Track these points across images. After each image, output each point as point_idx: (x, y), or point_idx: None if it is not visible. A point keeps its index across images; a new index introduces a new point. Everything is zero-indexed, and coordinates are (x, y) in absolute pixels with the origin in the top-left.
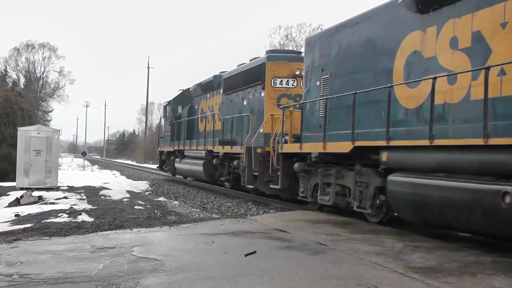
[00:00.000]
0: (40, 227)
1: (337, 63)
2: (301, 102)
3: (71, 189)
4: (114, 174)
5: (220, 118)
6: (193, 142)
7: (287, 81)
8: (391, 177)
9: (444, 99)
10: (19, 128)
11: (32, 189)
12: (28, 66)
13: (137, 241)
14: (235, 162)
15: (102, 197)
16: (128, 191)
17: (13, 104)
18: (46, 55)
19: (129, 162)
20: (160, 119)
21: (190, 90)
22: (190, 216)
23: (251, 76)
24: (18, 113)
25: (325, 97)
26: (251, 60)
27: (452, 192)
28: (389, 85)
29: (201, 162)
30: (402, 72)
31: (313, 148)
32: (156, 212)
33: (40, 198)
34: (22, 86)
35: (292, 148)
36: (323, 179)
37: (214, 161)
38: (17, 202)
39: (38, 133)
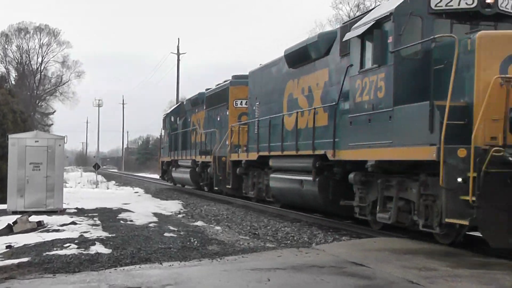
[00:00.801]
0: (41, 262)
1: (262, 94)
2: (243, 122)
3: (80, 212)
4: (137, 192)
5: (199, 131)
6: (184, 152)
7: (246, 101)
8: (271, 175)
9: (300, 126)
10: (10, 136)
11: (29, 213)
12: (21, 56)
13: (169, 279)
14: (209, 169)
15: (121, 221)
16: (155, 214)
17: (1, 105)
18: (44, 42)
19: (155, 176)
20: (161, 130)
21: (184, 104)
22: (237, 246)
23: (220, 98)
24: (9, 116)
25: (255, 119)
26: (217, 85)
27: (289, 182)
28: (281, 114)
29: (188, 170)
30: (286, 106)
31: (243, 156)
32: (192, 240)
33: (39, 224)
34: (13, 82)
35: (235, 156)
36: (254, 179)
37: (197, 169)
38: (9, 230)
39: (36, 141)
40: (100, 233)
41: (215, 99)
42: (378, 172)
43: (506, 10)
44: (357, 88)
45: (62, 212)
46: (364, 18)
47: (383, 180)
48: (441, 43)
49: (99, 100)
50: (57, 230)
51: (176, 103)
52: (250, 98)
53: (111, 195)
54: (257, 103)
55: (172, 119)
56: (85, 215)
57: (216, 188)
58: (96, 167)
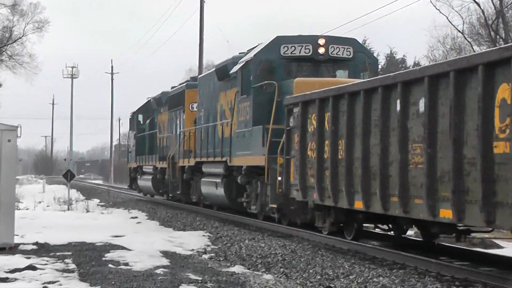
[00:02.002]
0: None
1: (205, 101)
2: (193, 127)
3: (43, 249)
4: (135, 218)
5: (160, 135)
6: (149, 157)
7: None
8: (202, 179)
9: (218, 135)
10: None
11: None
12: None
13: None
14: (166, 176)
15: (110, 265)
16: (165, 253)
17: None
18: None
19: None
20: (128, 132)
21: (151, 102)
22: None
23: (179, 100)
24: None
25: (199, 126)
26: (179, 84)
27: (210, 184)
28: (212, 124)
29: (150, 177)
30: (219, 116)
31: (186, 162)
32: None
33: None
34: None
35: (181, 162)
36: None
37: (158, 175)
38: None
39: None
40: (76, 286)
41: (175, 101)
42: (253, 174)
43: (337, 56)
44: (239, 110)
45: (12, 249)
46: (245, 56)
47: (256, 180)
48: (281, 83)
49: (73, 67)
50: (4, 280)
51: (198, 73)
52: (198, 104)
53: (94, 223)
54: (202, 109)
55: (140, 118)
56: (51, 254)
57: (170, 195)
58: (68, 177)
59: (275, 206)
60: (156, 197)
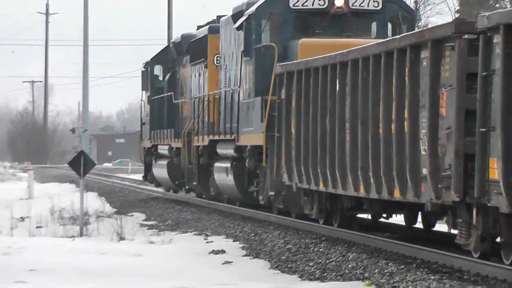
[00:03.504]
0: None
1: (226, 56)
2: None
3: None
4: (220, 253)
5: (175, 101)
6: (165, 133)
7: None
8: (215, 164)
9: (236, 105)
10: None
11: None
12: None
13: None
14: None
15: None
16: None
17: None
18: None
19: None
20: (142, 93)
21: (171, 47)
22: None
23: (200, 49)
24: None
25: (220, 90)
26: (200, 26)
27: (221, 170)
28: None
29: (166, 162)
30: (236, 77)
31: (201, 141)
32: None
33: None
34: None
35: (196, 141)
36: None
37: (174, 159)
38: None
39: None
40: None
41: (197, 50)
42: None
43: (361, 8)
44: (245, 74)
45: None
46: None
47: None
48: (287, 44)
49: None
50: None
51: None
52: (220, 57)
53: (135, 264)
54: (224, 67)
55: (157, 71)
56: None
57: (187, 187)
58: (81, 167)
59: (272, 193)
60: (185, 195)
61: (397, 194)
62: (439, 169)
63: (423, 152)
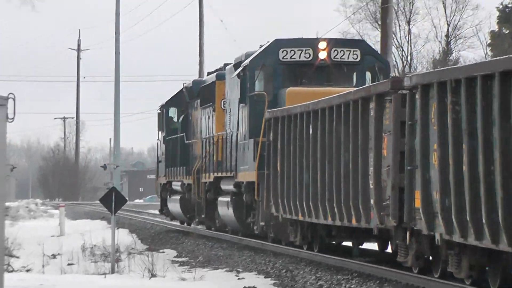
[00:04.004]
0: None
1: (230, 101)
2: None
3: None
4: None
5: (187, 141)
6: (178, 170)
7: None
8: (219, 199)
9: (235, 145)
10: None
11: None
12: None
13: None
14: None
15: None
16: None
17: None
18: None
19: None
20: (158, 133)
21: (184, 92)
22: None
23: (208, 94)
24: None
25: (223, 132)
26: (210, 72)
27: (223, 204)
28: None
29: (179, 197)
30: (234, 121)
31: (208, 177)
32: None
33: None
34: None
35: (204, 177)
36: None
37: (186, 194)
38: None
39: None
40: None
41: (206, 95)
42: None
43: (342, 60)
44: (242, 118)
45: None
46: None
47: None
48: (277, 92)
49: None
50: None
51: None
52: (226, 102)
53: None
54: (229, 111)
55: (172, 113)
56: None
57: (197, 220)
58: (112, 203)
59: (263, 223)
60: (199, 227)
61: (354, 221)
62: (382, 199)
63: (371, 186)
